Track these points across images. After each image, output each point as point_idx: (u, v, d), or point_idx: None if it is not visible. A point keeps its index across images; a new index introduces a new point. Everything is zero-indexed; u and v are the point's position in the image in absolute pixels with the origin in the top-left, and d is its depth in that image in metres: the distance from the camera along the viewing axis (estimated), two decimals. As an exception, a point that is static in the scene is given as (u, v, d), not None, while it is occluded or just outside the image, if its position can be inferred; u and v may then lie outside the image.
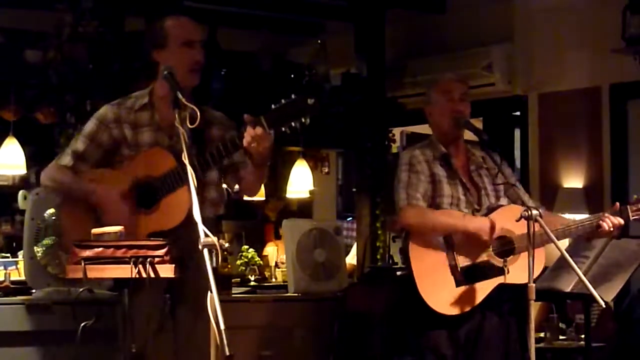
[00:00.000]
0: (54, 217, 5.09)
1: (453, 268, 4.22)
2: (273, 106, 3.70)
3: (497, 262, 4.20)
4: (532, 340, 3.85)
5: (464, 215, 4.26)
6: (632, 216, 4.24)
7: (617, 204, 4.28)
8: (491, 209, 4.32)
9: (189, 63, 3.95)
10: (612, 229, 4.21)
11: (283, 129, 3.69)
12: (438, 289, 4.19)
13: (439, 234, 4.24)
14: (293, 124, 3.66)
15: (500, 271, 4.19)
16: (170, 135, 3.96)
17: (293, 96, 3.68)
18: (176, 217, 3.79)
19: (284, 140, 7.17)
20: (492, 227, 4.18)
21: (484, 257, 4.21)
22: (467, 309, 4.20)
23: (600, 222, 4.21)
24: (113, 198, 3.88)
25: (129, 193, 3.89)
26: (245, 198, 7.91)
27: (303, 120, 3.65)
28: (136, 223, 3.80)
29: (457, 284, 4.21)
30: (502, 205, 4.35)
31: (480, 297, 4.21)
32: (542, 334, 5.88)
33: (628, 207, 4.25)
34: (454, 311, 4.19)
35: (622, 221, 4.23)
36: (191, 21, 4.04)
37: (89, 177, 3.99)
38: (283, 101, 3.68)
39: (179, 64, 3.91)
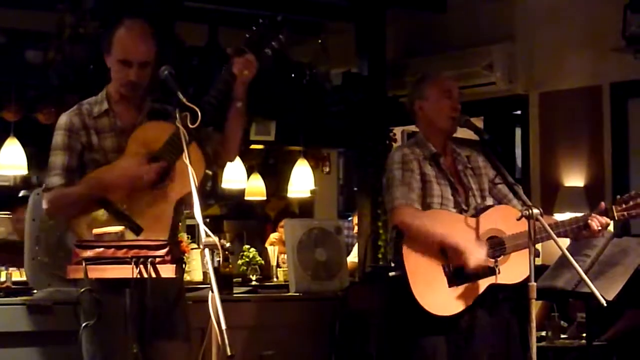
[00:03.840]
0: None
1: (445, 268, 4.21)
2: (247, 35, 3.92)
3: (489, 262, 4.20)
4: (534, 339, 3.85)
5: (458, 230, 4.22)
6: (617, 216, 4.25)
7: (602, 203, 4.28)
8: (480, 210, 4.31)
9: (121, 79, 3.92)
10: (599, 229, 4.22)
11: (266, 50, 3.94)
12: (431, 289, 4.18)
13: (429, 240, 4.23)
14: (273, 43, 3.94)
15: (492, 271, 4.19)
16: None
17: (261, 20, 3.93)
18: (198, 172, 3.68)
19: (285, 140, 7.19)
20: (480, 255, 4.17)
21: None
22: (460, 309, 4.19)
23: (589, 222, 4.21)
24: (132, 168, 3.82)
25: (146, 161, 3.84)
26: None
27: (280, 38, 3.94)
28: (161, 197, 3.78)
29: (450, 284, 4.20)
30: (491, 206, 4.35)
31: (472, 297, 4.20)
32: (543, 333, 5.89)
33: (613, 207, 4.26)
34: (447, 312, 4.18)
35: (609, 221, 4.24)
36: (137, 38, 3.93)
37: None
38: (254, 27, 3.91)
39: (115, 76, 3.95)
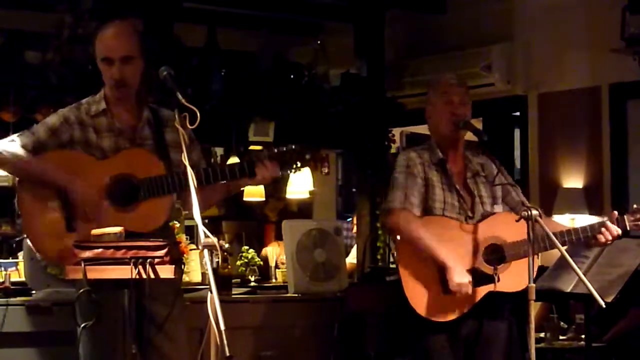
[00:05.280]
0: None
1: (441, 275, 4.20)
2: (278, 150, 3.91)
3: (487, 269, 4.19)
4: (533, 341, 3.85)
5: (451, 242, 4.22)
6: (630, 227, 4.22)
7: (615, 212, 4.25)
8: (484, 217, 4.31)
9: (108, 79, 3.96)
10: (610, 240, 4.20)
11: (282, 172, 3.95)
12: (425, 294, 4.18)
13: (419, 249, 4.23)
14: (289, 170, 3.92)
15: (491, 279, 4.18)
16: (132, 140, 3.99)
17: (293, 147, 3.92)
18: (155, 221, 3.85)
19: (283, 140, 7.18)
20: (460, 282, 4.14)
21: (472, 265, 4.20)
22: (455, 316, 4.19)
23: (598, 236, 4.18)
24: (92, 191, 3.86)
25: (108, 187, 3.89)
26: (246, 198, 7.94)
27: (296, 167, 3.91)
28: (111, 220, 3.76)
29: (445, 292, 4.19)
30: (494, 213, 4.34)
31: (468, 304, 4.19)
32: (542, 334, 5.88)
33: (625, 217, 4.23)
34: (442, 318, 4.18)
35: (620, 232, 4.21)
36: (115, 36, 3.97)
37: (63, 157, 3.97)
38: (284, 149, 3.90)
39: (104, 77, 3.97)
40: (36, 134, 3.99)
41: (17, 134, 4.03)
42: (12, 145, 3.98)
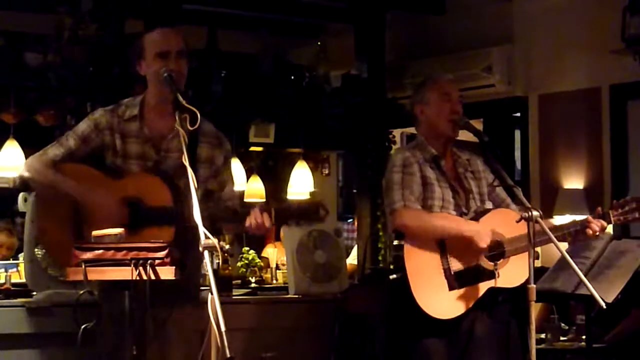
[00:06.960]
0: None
1: (446, 272, 4.21)
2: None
3: (488, 265, 4.20)
4: (533, 342, 3.85)
5: (460, 220, 4.26)
6: (614, 221, 4.26)
7: (599, 208, 4.30)
8: (479, 213, 4.31)
9: (161, 73, 3.91)
10: (597, 233, 4.24)
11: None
12: (432, 292, 4.19)
13: (434, 237, 4.23)
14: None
15: (491, 275, 4.19)
16: (158, 149, 3.97)
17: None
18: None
19: (284, 142, 7.20)
20: (488, 233, 4.18)
21: (474, 261, 4.22)
22: (460, 312, 4.20)
23: (586, 227, 4.22)
24: (109, 205, 3.86)
25: (122, 207, 3.88)
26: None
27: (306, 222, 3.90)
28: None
29: (450, 288, 4.21)
30: (490, 209, 4.35)
31: (471, 300, 4.20)
32: (543, 335, 5.88)
33: (610, 212, 4.27)
34: (447, 315, 4.18)
35: (605, 224, 4.25)
36: (168, 32, 3.99)
37: (76, 172, 3.97)
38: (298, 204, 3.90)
39: (155, 74, 3.92)
40: (66, 145, 3.99)
41: (49, 145, 4.03)
42: (41, 160, 3.98)
